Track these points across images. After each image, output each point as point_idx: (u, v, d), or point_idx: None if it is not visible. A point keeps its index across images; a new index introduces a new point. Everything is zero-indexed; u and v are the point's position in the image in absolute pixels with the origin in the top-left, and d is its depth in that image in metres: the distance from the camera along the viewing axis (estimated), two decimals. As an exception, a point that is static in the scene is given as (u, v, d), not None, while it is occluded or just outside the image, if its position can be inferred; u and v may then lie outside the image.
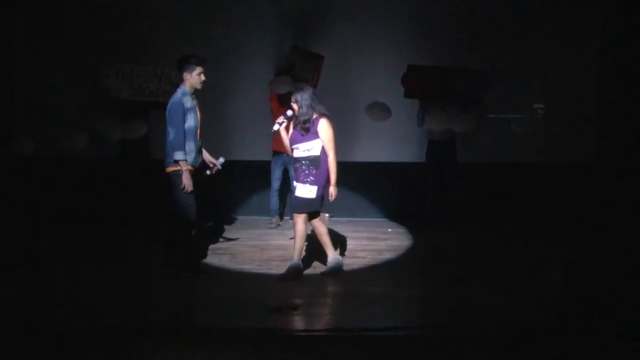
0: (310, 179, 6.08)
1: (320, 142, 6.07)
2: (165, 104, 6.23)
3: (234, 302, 5.58)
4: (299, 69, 8.59)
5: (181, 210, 6.16)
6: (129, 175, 8.82)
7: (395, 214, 9.31)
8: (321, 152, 6.09)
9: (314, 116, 6.10)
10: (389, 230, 8.66)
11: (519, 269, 6.64)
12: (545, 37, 9.07)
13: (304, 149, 6.10)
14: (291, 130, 6.25)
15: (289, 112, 6.22)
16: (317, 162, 6.08)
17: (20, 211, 8.68)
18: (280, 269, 6.44)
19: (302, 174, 6.12)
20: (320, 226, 6.32)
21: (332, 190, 6.10)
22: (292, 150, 6.23)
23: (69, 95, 8.84)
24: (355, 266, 6.77)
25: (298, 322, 5.14)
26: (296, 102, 6.12)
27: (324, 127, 6.07)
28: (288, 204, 9.09)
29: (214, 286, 6.09)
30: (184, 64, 6.21)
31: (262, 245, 7.72)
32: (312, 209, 6.18)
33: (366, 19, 9.24)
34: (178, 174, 6.10)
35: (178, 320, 5.26)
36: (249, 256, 7.21)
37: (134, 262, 6.96)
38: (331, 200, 6.16)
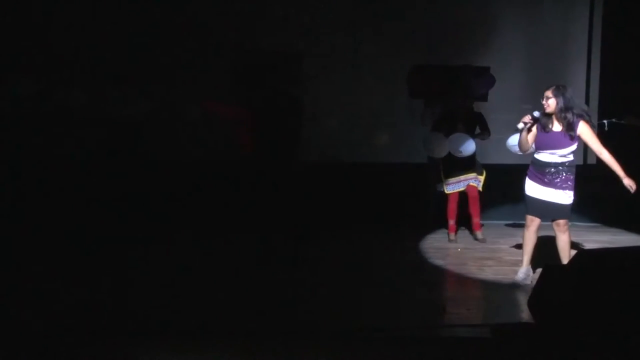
0: (569, 184, 5.98)
1: (576, 146, 6.04)
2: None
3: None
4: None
5: None
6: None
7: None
8: (574, 157, 6.07)
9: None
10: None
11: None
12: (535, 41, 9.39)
13: (564, 154, 5.95)
14: (534, 131, 6.02)
15: (536, 113, 5.96)
16: (573, 168, 6.00)
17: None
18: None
19: (560, 179, 5.97)
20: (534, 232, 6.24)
21: (629, 181, 5.84)
22: (538, 153, 6.02)
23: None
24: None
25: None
26: (560, 97, 5.88)
27: (586, 129, 5.92)
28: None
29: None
30: None
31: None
32: (569, 215, 6.11)
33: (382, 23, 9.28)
34: None
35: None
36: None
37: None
38: (632, 191, 5.87)
